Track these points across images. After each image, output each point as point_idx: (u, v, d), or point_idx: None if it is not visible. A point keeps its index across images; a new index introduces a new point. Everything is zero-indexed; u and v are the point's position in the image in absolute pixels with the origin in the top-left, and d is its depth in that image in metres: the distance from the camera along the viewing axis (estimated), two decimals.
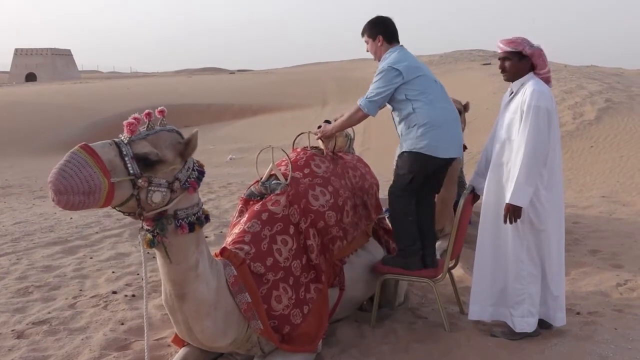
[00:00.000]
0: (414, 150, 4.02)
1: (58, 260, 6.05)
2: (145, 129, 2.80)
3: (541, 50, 3.80)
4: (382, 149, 13.16)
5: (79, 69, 75.02)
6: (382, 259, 4.19)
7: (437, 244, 5.86)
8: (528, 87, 3.76)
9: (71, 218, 8.12)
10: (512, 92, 3.89)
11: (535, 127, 3.66)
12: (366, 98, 4.02)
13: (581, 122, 14.14)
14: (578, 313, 4.29)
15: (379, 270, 4.14)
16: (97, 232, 7.21)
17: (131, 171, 2.66)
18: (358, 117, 4.08)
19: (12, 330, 4.23)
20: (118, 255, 6.21)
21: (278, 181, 3.80)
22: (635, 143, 12.35)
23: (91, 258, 6.12)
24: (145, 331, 3.08)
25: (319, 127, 4.31)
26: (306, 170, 3.95)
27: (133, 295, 4.88)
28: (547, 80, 3.85)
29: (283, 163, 4.00)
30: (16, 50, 68.48)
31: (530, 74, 3.83)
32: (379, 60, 4.20)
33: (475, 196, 4.20)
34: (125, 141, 2.72)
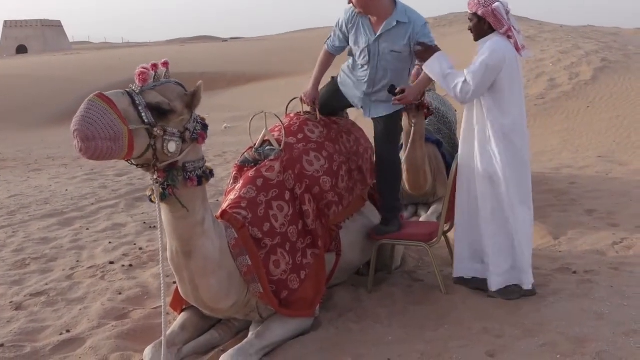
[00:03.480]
0: (395, 112, 4.10)
1: (54, 232, 6.05)
2: (152, 81, 2.81)
3: (494, 9, 3.74)
4: None
5: (70, 40, 74.03)
6: (375, 230, 4.16)
7: (433, 207, 5.90)
8: (485, 45, 3.80)
9: (66, 190, 8.10)
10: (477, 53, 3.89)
11: (474, 77, 3.73)
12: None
13: (577, 83, 14.03)
14: (574, 272, 4.30)
15: (374, 239, 4.15)
16: (92, 204, 7.19)
17: (146, 120, 2.69)
18: None
19: (11, 302, 4.25)
20: (114, 225, 6.21)
21: (272, 147, 3.77)
22: (632, 102, 12.29)
23: (87, 229, 6.12)
24: (162, 286, 3.04)
25: (396, 92, 3.86)
26: (300, 136, 3.91)
27: (130, 265, 4.89)
28: (510, 39, 3.81)
29: (276, 129, 3.96)
30: (6, 22, 67.42)
31: (494, 33, 3.81)
32: (375, 15, 3.82)
33: None
34: (137, 91, 2.74)
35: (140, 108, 2.69)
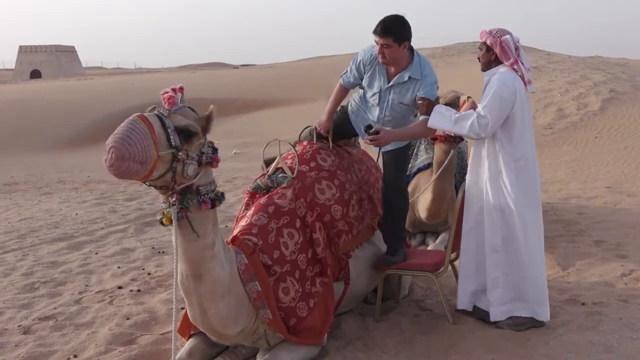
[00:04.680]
0: (405, 144, 4.14)
1: (64, 256, 6.09)
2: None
3: (503, 41, 3.79)
4: None
5: (83, 65, 75.06)
6: (383, 261, 4.16)
7: (441, 236, 5.90)
8: (494, 77, 3.84)
9: (76, 214, 8.16)
10: (485, 84, 3.93)
11: (491, 111, 3.76)
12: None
13: (585, 113, 14.08)
14: (583, 304, 4.28)
15: (381, 269, 4.16)
16: (102, 228, 7.24)
17: (173, 144, 2.75)
18: (430, 133, 4.20)
19: (19, 326, 4.27)
20: (123, 250, 6.24)
21: (284, 174, 3.81)
22: None
23: (96, 254, 6.15)
24: (174, 301, 3.06)
25: (370, 132, 3.87)
26: (312, 164, 3.96)
27: (138, 290, 4.90)
28: (516, 72, 3.84)
29: (289, 156, 4.01)
30: (20, 47, 68.48)
31: (501, 65, 3.86)
32: (393, 66, 3.88)
33: None
34: (166, 114, 2.81)
35: (169, 131, 2.76)
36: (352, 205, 3.98)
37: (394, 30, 3.73)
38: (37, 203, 9.40)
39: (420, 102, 3.87)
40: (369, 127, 3.90)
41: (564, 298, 4.43)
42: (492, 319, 3.96)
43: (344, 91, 4.24)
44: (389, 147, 4.05)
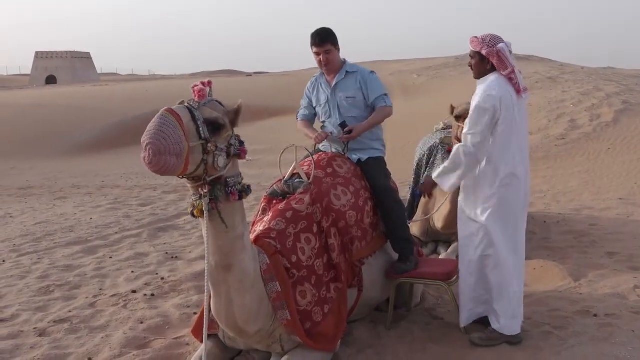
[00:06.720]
0: (382, 153, 4.41)
1: (78, 260, 6.16)
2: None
3: (499, 50, 3.71)
4: (395, 150, 13.14)
5: (98, 71, 75.55)
6: (395, 269, 4.18)
7: (453, 246, 5.90)
8: (479, 87, 3.80)
9: (91, 219, 8.24)
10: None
11: (474, 124, 3.72)
12: (388, 97, 4.33)
13: (598, 124, 14.01)
14: (595, 315, 4.27)
15: (393, 277, 4.18)
16: (116, 233, 7.31)
17: (202, 135, 2.80)
18: (389, 113, 4.32)
19: (34, 329, 4.33)
20: (137, 255, 6.30)
21: (301, 180, 3.86)
22: None
23: (111, 258, 6.21)
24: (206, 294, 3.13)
25: (345, 130, 4.17)
26: (328, 170, 4.02)
27: (152, 295, 4.96)
28: (512, 81, 3.75)
29: (306, 163, 4.06)
30: (37, 53, 69.10)
31: (494, 73, 3.77)
32: (333, 71, 4.26)
33: None
34: (196, 106, 2.86)
35: (199, 123, 2.81)
36: (366, 212, 4.02)
37: (329, 37, 4.19)
38: (52, 207, 9.51)
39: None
40: (343, 124, 4.20)
41: (575, 309, 4.42)
42: (461, 324, 3.98)
43: (307, 122, 4.48)
44: (365, 156, 4.25)
